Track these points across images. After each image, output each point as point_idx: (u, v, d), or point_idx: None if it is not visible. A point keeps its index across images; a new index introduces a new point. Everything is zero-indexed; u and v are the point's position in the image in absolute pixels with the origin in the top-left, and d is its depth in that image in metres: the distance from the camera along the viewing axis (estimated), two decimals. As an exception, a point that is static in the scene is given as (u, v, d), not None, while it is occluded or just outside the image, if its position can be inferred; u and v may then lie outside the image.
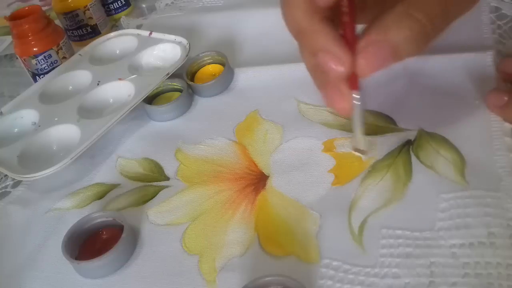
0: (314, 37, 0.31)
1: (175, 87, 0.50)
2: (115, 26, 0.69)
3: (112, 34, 0.59)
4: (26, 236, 0.40)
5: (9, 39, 0.69)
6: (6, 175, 0.45)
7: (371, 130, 0.40)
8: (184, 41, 0.53)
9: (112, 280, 0.35)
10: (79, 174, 0.45)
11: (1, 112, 0.51)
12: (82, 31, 0.64)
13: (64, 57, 0.58)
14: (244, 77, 0.50)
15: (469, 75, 0.42)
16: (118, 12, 0.70)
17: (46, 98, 0.51)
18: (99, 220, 0.38)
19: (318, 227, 0.35)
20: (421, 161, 0.37)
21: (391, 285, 0.30)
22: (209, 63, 0.52)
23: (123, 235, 0.36)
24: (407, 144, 0.38)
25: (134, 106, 0.46)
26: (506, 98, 0.37)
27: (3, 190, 0.46)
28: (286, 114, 0.44)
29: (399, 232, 0.33)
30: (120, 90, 0.50)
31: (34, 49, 0.56)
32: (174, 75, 0.49)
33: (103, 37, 0.59)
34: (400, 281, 0.30)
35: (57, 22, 0.62)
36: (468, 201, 0.33)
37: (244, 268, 0.33)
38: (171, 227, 0.38)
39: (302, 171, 0.39)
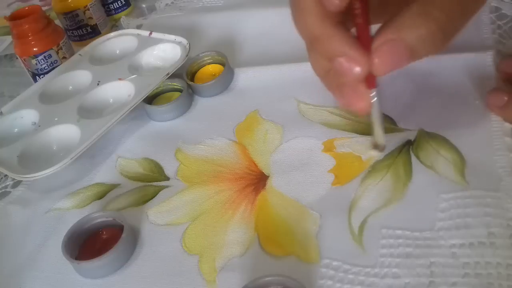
0: (329, 42, 0.31)
1: (175, 87, 0.50)
2: (115, 26, 0.69)
3: (112, 34, 0.59)
4: (26, 236, 0.40)
5: (9, 39, 0.69)
6: (6, 175, 0.45)
7: (371, 130, 0.40)
8: (184, 41, 0.53)
9: (112, 280, 0.35)
10: (79, 174, 0.45)
11: (1, 112, 0.51)
12: (82, 31, 0.64)
13: (64, 57, 0.58)
14: (244, 77, 0.50)
15: (469, 75, 0.42)
16: (118, 12, 0.70)
17: (46, 98, 0.51)
18: (99, 220, 0.38)
19: (318, 227, 0.35)
20: (421, 161, 0.37)
21: (391, 285, 0.30)
22: (209, 63, 0.52)
23: (123, 235, 0.36)
24: (407, 144, 0.38)
25: (134, 106, 0.46)
26: (506, 98, 0.37)
27: (3, 190, 0.46)
28: (286, 114, 0.44)
29: (399, 232, 0.33)
30: (120, 90, 0.50)
31: (34, 49, 0.56)
32: (174, 75, 0.49)
33: (103, 37, 0.59)
34: (400, 281, 0.30)
35: (57, 22, 0.62)
36: (468, 201, 0.33)
37: (244, 268, 0.33)
38: (171, 227, 0.38)
39: (302, 171, 0.39)
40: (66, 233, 0.37)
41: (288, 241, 0.34)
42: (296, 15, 0.32)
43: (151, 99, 0.50)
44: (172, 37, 0.54)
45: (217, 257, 0.35)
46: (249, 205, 0.38)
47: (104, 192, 0.42)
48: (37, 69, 0.57)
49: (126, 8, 0.70)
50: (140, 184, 0.42)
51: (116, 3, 0.69)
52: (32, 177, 0.42)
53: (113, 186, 0.43)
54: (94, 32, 0.65)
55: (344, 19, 0.31)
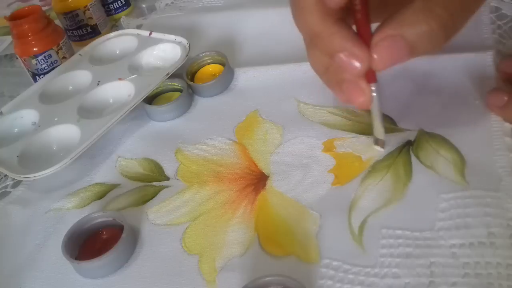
0: (330, 39, 0.31)
1: (175, 87, 0.50)
2: (115, 26, 0.69)
3: (112, 34, 0.59)
4: (26, 236, 0.40)
5: (9, 39, 0.69)
6: (6, 175, 0.45)
7: (372, 130, 0.40)
8: (184, 41, 0.53)
9: (112, 280, 0.35)
10: (79, 174, 0.45)
11: (1, 112, 0.51)
12: (82, 31, 0.64)
13: (64, 57, 0.58)
14: (244, 77, 0.50)
15: (469, 75, 0.42)
16: (118, 12, 0.70)
17: (46, 98, 0.51)
18: (99, 220, 0.38)
19: (318, 227, 0.35)
20: (421, 161, 0.37)
21: (391, 285, 0.30)
22: (209, 63, 0.52)
23: (123, 235, 0.36)
24: (407, 144, 0.38)
25: (134, 106, 0.46)
26: (506, 98, 0.37)
27: (3, 190, 0.46)
28: (286, 114, 0.44)
29: (399, 232, 0.33)
30: (120, 90, 0.50)
31: (34, 49, 0.56)
32: (174, 75, 0.49)
33: (103, 37, 0.59)
34: (400, 281, 0.30)
35: (57, 22, 0.62)
36: (468, 201, 0.33)
37: (244, 268, 0.33)
38: (171, 227, 0.38)
39: (302, 171, 0.39)
40: (66, 233, 0.37)
41: (288, 241, 0.34)
42: (296, 13, 0.33)
43: (151, 99, 0.50)
44: (172, 37, 0.54)
45: (217, 257, 0.35)
46: (249, 205, 0.38)
47: (104, 192, 0.42)
48: (37, 69, 0.57)
49: (126, 8, 0.70)
50: (140, 184, 0.42)
51: (116, 3, 0.69)
52: (32, 177, 0.42)
53: (113, 186, 0.43)
54: (94, 32, 0.65)
55: (344, 16, 0.32)
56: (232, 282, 0.33)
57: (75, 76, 0.54)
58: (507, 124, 0.37)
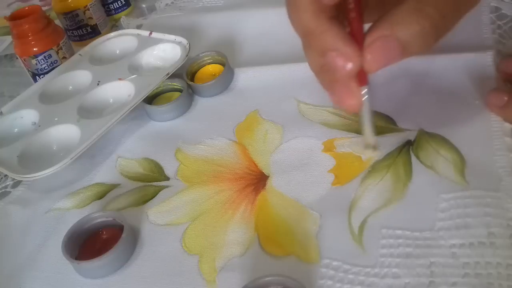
0: (322, 37, 0.31)
1: (175, 87, 0.50)
2: (115, 26, 0.69)
3: (112, 34, 0.59)
4: (26, 236, 0.40)
5: (9, 39, 0.69)
6: (6, 175, 0.45)
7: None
8: (184, 41, 0.53)
9: (112, 280, 0.35)
10: (79, 174, 0.45)
11: (1, 112, 0.51)
12: (82, 31, 0.64)
13: (64, 57, 0.58)
14: (244, 77, 0.50)
15: (469, 75, 0.42)
16: (118, 12, 0.70)
17: (46, 98, 0.51)
18: (99, 220, 0.38)
19: (318, 227, 0.35)
20: (421, 161, 0.37)
21: (391, 285, 0.30)
22: (209, 63, 0.52)
23: (123, 235, 0.36)
24: (407, 144, 0.38)
25: (134, 106, 0.46)
26: (506, 98, 0.37)
27: (3, 190, 0.46)
28: (286, 114, 0.44)
29: (399, 232, 0.33)
30: (120, 90, 0.50)
31: (34, 49, 0.56)
32: (174, 75, 0.49)
33: (103, 37, 0.59)
34: (400, 281, 0.30)
35: (57, 22, 0.62)
36: (468, 201, 0.33)
37: (244, 268, 0.33)
38: (171, 227, 0.38)
39: (302, 171, 0.39)
40: (66, 233, 0.37)
41: (288, 241, 0.34)
42: (291, 10, 0.33)
43: (151, 99, 0.50)
44: (172, 37, 0.54)
45: (217, 257, 0.35)
46: (249, 205, 0.38)
47: (104, 192, 0.42)
48: (37, 69, 0.57)
49: (126, 8, 0.70)
50: (140, 184, 0.42)
51: (116, 3, 0.69)
52: (32, 177, 0.42)
53: (113, 186, 0.43)
54: (94, 32, 0.65)
55: (339, 15, 0.31)
56: (232, 282, 0.33)
57: (75, 76, 0.54)
58: (507, 124, 0.37)
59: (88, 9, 0.63)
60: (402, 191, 0.35)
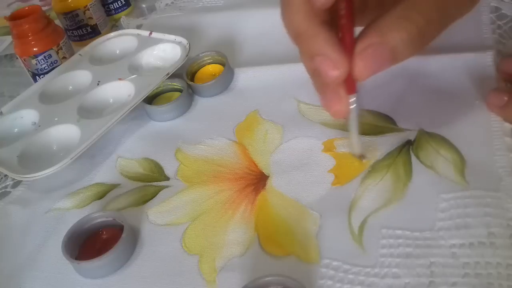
0: (312, 41, 0.31)
1: (175, 87, 0.50)
2: (115, 26, 0.69)
3: (112, 34, 0.59)
4: (26, 236, 0.40)
5: (9, 39, 0.69)
6: (6, 175, 0.45)
7: (371, 130, 0.40)
8: (184, 41, 0.53)
9: (112, 280, 0.35)
10: (79, 174, 0.45)
11: (1, 112, 0.51)
12: (82, 31, 0.64)
13: (64, 57, 0.58)
14: (244, 77, 0.50)
15: (469, 75, 0.42)
16: (118, 12, 0.70)
17: (46, 98, 0.51)
18: (99, 220, 0.38)
19: (318, 227, 0.35)
20: (421, 161, 0.37)
21: (391, 285, 0.30)
22: (209, 63, 0.52)
23: (123, 235, 0.36)
24: (407, 144, 0.38)
25: (134, 106, 0.46)
26: (506, 98, 0.37)
27: (3, 190, 0.46)
28: (286, 114, 0.44)
29: (399, 232, 0.33)
30: (120, 90, 0.50)
31: (34, 49, 0.56)
32: (174, 75, 0.49)
33: (103, 37, 0.59)
34: (400, 281, 0.30)
35: (57, 22, 0.62)
36: (468, 201, 0.33)
37: (244, 268, 0.33)
38: (171, 227, 0.38)
39: (302, 171, 0.39)
40: (66, 233, 0.37)
41: (288, 241, 0.34)
42: (284, 11, 0.33)
43: (151, 99, 0.50)
44: (172, 37, 0.54)
45: (217, 257, 0.35)
46: (249, 205, 0.38)
47: (104, 192, 0.43)
48: (37, 69, 0.57)
49: (126, 8, 0.70)
50: (140, 184, 0.42)
51: (116, 3, 0.69)
52: (32, 177, 0.42)
53: (113, 186, 0.43)
54: (94, 32, 0.65)
55: (331, 20, 0.31)
56: (232, 282, 0.33)
57: (75, 76, 0.54)
58: (507, 124, 0.37)
59: (88, 9, 0.63)
60: (402, 191, 0.35)
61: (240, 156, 0.42)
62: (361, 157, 0.38)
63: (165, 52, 0.54)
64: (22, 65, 0.58)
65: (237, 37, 0.57)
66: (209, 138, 0.45)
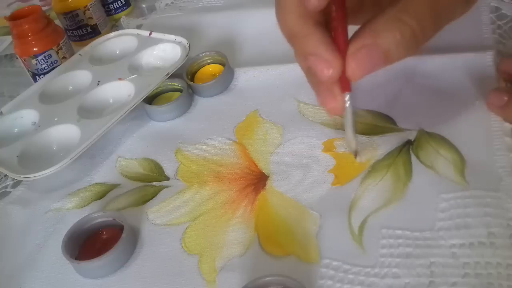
0: (305, 41, 0.31)
1: (175, 87, 0.50)
2: (115, 26, 0.69)
3: (112, 34, 0.59)
4: (26, 236, 0.40)
5: (9, 39, 0.69)
6: (6, 175, 0.45)
7: (371, 130, 0.40)
8: (184, 41, 0.53)
9: (112, 280, 0.35)
10: (79, 174, 0.45)
11: (1, 112, 0.51)
12: (82, 31, 0.64)
13: (64, 57, 0.58)
14: (244, 77, 0.50)
15: (469, 75, 0.42)
16: (118, 12, 0.70)
17: (46, 98, 0.51)
18: (99, 220, 0.38)
19: (318, 227, 0.35)
20: (421, 161, 0.37)
21: (391, 285, 0.30)
22: (209, 63, 0.52)
23: (123, 235, 0.36)
24: (407, 144, 0.38)
25: (134, 106, 0.46)
26: (506, 98, 0.37)
27: (3, 190, 0.46)
28: (286, 114, 0.44)
29: (399, 232, 0.33)
30: (120, 90, 0.50)
31: (34, 49, 0.56)
32: (174, 75, 0.49)
33: (103, 37, 0.59)
34: (400, 281, 0.30)
35: (57, 22, 0.62)
36: (468, 201, 0.33)
37: (244, 268, 0.33)
38: (171, 227, 0.38)
39: (302, 171, 0.39)
40: (66, 233, 0.37)
41: (288, 241, 0.34)
42: (278, 11, 0.33)
43: (151, 99, 0.50)
44: (172, 37, 0.54)
45: (217, 257, 0.35)
46: (249, 205, 0.38)
47: (104, 192, 0.43)
48: (37, 69, 0.57)
49: (126, 8, 0.70)
50: (140, 184, 0.42)
51: (116, 3, 0.69)
52: (32, 177, 0.42)
53: (113, 186, 0.43)
54: (94, 32, 0.65)
55: (326, 20, 0.32)
56: (232, 282, 0.33)
57: (75, 76, 0.54)
58: (507, 124, 0.37)
59: (88, 9, 0.63)
60: (402, 191, 0.35)
61: (240, 156, 0.42)
62: (356, 154, 0.38)
63: (165, 52, 0.54)
64: (22, 65, 0.58)
65: (237, 37, 0.57)
66: (209, 138, 0.45)
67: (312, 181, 0.38)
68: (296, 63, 0.47)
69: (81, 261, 0.35)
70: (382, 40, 0.29)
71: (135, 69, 0.53)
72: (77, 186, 0.44)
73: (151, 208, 0.40)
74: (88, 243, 0.38)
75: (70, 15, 0.63)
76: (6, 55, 0.68)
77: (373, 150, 0.38)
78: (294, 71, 0.47)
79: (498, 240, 0.31)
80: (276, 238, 0.35)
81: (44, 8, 0.58)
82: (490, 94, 0.38)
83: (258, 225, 0.36)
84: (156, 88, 0.49)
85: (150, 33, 0.56)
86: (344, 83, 0.32)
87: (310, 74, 0.35)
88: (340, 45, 0.31)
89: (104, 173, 0.44)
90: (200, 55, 0.52)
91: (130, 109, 0.46)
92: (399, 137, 0.39)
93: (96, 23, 0.65)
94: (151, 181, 0.42)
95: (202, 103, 0.49)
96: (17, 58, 0.59)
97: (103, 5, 0.67)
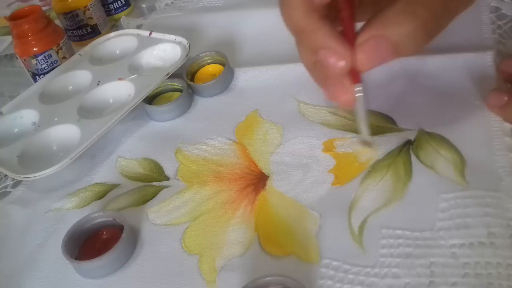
0: (314, 35, 0.31)
1: (175, 87, 0.50)
2: (115, 26, 0.69)
3: (112, 34, 0.59)
4: (26, 236, 0.40)
5: (9, 39, 0.69)
6: (6, 175, 0.45)
7: (371, 130, 0.40)
8: (184, 41, 0.53)
9: (112, 280, 0.35)
10: (79, 174, 0.45)
11: (1, 112, 0.51)
12: (82, 31, 0.64)
13: (64, 57, 0.58)
14: (244, 77, 0.50)
15: (469, 75, 0.42)
16: (118, 12, 0.70)
17: (46, 98, 0.51)
18: (99, 220, 0.38)
19: (318, 227, 0.35)
20: (421, 161, 0.37)
21: (391, 285, 0.30)
22: (209, 63, 0.52)
23: (123, 235, 0.36)
24: (407, 144, 0.38)
25: (134, 106, 0.46)
26: (506, 98, 0.37)
27: (3, 190, 0.46)
28: (286, 114, 0.44)
29: (399, 232, 0.33)
30: (120, 90, 0.50)
31: (34, 49, 0.56)
32: (174, 75, 0.49)
33: (103, 37, 0.59)
34: (400, 281, 0.30)
35: (57, 22, 0.62)
36: (468, 201, 0.33)
37: (244, 268, 0.33)
38: (171, 227, 0.38)
39: (302, 171, 0.39)
40: (66, 233, 0.37)
41: (288, 241, 0.34)
42: (283, 8, 0.33)
43: (151, 99, 0.50)
44: (172, 37, 0.54)
45: (217, 257, 0.35)
46: (249, 205, 0.38)
47: (104, 192, 0.43)
48: (37, 69, 0.57)
49: (126, 8, 0.70)
50: (140, 184, 0.42)
51: (116, 3, 0.69)
52: (32, 177, 0.42)
53: (113, 186, 0.43)
54: (94, 32, 0.65)
55: (331, 14, 0.32)
56: (232, 282, 0.33)
57: (75, 76, 0.54)
58: (507, 124, 0.37)
59: (88, 9, 0.63)
60: (402, 191, 0.35)
61: (240, 156, 0.42)
62: (370, 145, 0.37)
63: (165, 52, 0.54)
64: (22, 65, 0.58)
65: (237, 37, 0.57)
66: (209, 138, 0.45)
67: (312, 181, 0.38)
68: (296, 63, 0.47)
69: (81, 261, 0.35)
70: (391, 32, 0.29)
71: (135, 69, 0.53)
72: (77, 186, 0.44)
73: (151, 208, 0.40)
74: (88, 243, 0.38)
75: (70, 15, 0.63)
76: (6, 55, 0.68)
77: (373, 150, 0.38)
78: (294, 71, 0.48)
79: (498, 240, 0.31)
80: (276, 238, 0.35)
81: (44, 8, 0.58)
82: (490, 94, 0.38)
83: (258, 225, 0.36)
84: (156, 88, 0.49)
85: (150, 33, 0.56)
86: (354, 74, 0.32)
87: (317, 69, 0.35)
88: (350, 36, 0.31)
89: (104, 173, 0.44)
90: (200, 55, 0.52)
91: (130, 109, 0.46)
92: (399, 137, 0.39)
93: (96, 23, 0.65)
94: (151, 181, 0.42)
95: (202, 103, 0.49)
96: (17, 58, 0.59)
97: (103, 5, 0.67)
